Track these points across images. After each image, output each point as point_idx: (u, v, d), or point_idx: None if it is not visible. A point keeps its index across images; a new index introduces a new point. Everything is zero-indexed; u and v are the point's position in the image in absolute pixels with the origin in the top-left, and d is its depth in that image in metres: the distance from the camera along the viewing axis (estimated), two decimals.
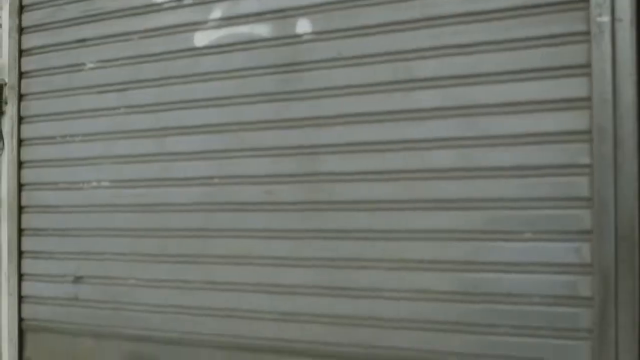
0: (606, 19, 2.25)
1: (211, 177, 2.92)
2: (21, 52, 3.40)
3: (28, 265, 3.41)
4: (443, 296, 2.53)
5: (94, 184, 3.21)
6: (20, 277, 3.42)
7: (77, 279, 3.24)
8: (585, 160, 2.34)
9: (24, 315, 3.41)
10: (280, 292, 2.79)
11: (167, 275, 3.02)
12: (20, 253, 3.42)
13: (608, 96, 2.26)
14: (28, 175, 3.41)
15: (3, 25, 3.42)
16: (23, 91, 3.41)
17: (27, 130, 3.41)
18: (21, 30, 3.40)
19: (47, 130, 3.34)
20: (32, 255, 3.40)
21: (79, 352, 3.23)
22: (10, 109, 3.39)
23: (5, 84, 3.41)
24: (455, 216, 2.52)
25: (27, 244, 3.42)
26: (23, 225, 3.42)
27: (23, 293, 3.41)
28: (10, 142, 3.39)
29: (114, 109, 3.14)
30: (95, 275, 3.20)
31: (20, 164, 3.42)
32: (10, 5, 3.41)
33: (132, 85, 3.09)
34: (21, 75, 3.40)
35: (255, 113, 2.83)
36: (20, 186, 3.42)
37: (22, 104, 3.41)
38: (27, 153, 3.41)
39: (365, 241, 2.65)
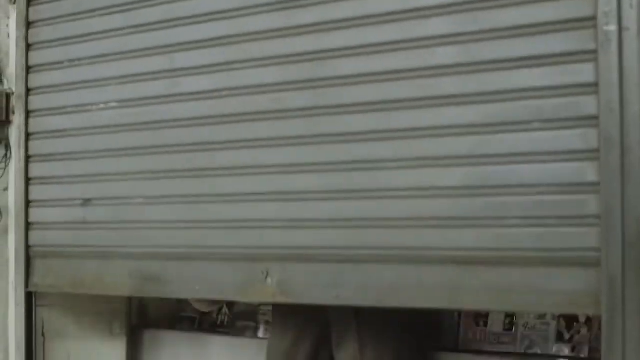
0: (613, 27, 2.24)
1: (219, 90, 2.93)
2: None
3: (35, 192, 3.42)
4: (451, 192, 2.51)
5: (102, 105, 3.22)
6: (28, 204, 3.42)
7: (86, 202, 3.23)
8: (591, 46, 2.32)
9: (31, 242, 3.41)
10: (288, 200, 2.79)
11: (175, 190, 3.02)
12: (27, 180, 3.42)
13: (615, 105, 2.23)
14: (35, 102, 3.43)
15: None
16: (31, 19, 3.45)
17: (35, 57, 3.44)
18: None
19: (54, 56, 3.36)
20: (39, 181, 3.41)
21: (85, 274, 3.23)
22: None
23: (13, 93, 3.44)
24: (462, 111, 2.50)
25: (35, 170, 3.43)
26: (30, 152, 3.43)
27: (30, 220, 3.41)
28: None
29: (120, 29, 3.17)
30: (103, 197, 3.20)
31: (28, 91, 3.44)
32: None
33: (137, 4, 3.12)
34: (29, 2, 3.43)
35: (261, 23, 2.84)
36: (27, 113, 3.43)
37: (30, 31, 3.45)
38: (35, 80, 3.43)
39: (373, 142, 2.64)
